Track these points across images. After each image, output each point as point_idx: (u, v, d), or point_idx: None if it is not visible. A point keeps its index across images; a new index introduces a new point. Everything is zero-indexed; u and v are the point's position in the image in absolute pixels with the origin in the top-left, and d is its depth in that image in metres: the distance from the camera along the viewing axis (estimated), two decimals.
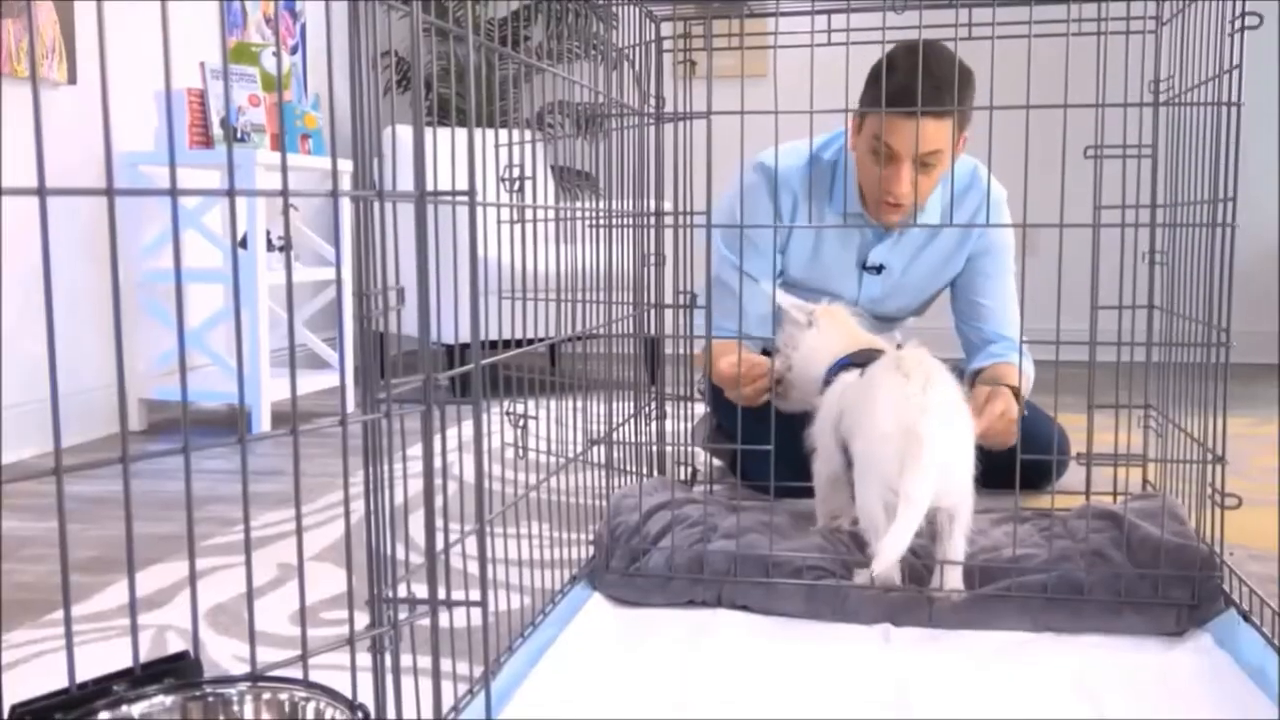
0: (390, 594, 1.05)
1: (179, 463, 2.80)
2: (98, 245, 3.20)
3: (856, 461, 1.69)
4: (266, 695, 0.92)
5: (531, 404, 1.86)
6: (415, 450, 1.59)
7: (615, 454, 2.06)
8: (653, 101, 2.13)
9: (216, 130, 3.30)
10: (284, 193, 0.91)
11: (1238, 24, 1.54)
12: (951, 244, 2.36)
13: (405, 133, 3.81)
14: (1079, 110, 1.60)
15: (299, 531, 0.98)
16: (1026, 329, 2.00)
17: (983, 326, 2.39)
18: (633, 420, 2.13)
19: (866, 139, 2.15)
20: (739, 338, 2.03)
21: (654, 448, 2.26)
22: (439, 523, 1.04)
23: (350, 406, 3.47)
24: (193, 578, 0.92)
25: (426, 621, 1.05)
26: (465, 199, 1.05)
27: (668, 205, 2.08)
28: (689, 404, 2.53)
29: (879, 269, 2.36)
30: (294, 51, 4.22)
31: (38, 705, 0.83)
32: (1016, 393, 2.15)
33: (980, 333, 2.40)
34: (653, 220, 2.12)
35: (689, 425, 2.56)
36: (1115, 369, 1.83)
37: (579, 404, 1.98)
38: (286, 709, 0.92)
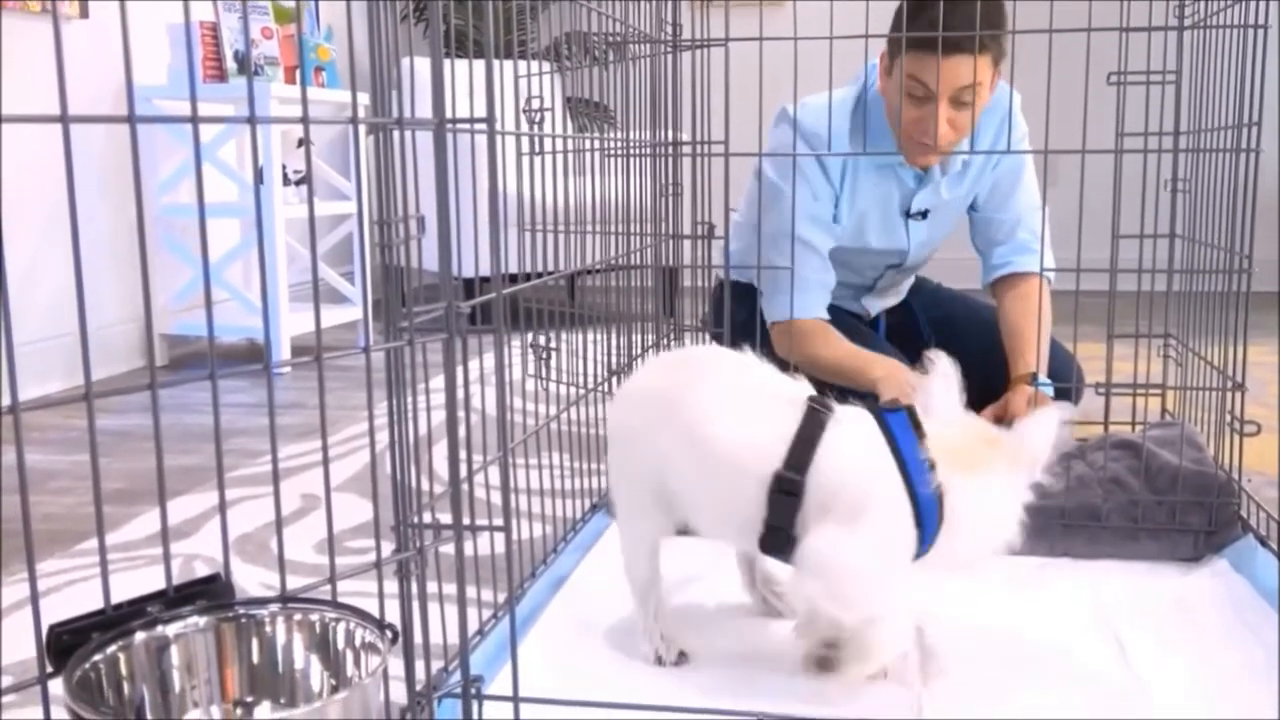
0: (415, 520, 1.06)
1: (200, 397, 2.82)
2: (111, 180, 3.20)
3: None
4: (298, 616, 0.94)
5: (551, 336, 1.87)
6: (436, 383, 1.59)
7: None
8: (669, 29, 2.10)
9: (230, 64, 3.29)
10: (304, 120, 0.91)
11: None
12: (977, 170, 2.28)
13: (421, 65, 3.78)
14: (1102, 35, 1.57)
15: (325, 457, 0.99)
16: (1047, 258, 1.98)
17: (998, 233, 2.27)
18: (651, 351, 2.13)
19: (899, 79, 2.02)
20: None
21: None
22: (461, 452, 1.05)
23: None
24: (222, 502, 0.94)
25: (450, 548, 1.07)
26: (484, 127, 1.05)
27: (685, 135, 2.07)
28: (706, 335, 2.53)
29: (924, 214, 2.24)
30: None
31: (76, 625, 0.85)
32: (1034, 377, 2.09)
33: (995, 238, 2.28)
34: (670, 150, 2.11)
35: None
36: (1135, 298, 1.82)
37: (598, 335, 1.99)
38: (318, 629, 0.94)
